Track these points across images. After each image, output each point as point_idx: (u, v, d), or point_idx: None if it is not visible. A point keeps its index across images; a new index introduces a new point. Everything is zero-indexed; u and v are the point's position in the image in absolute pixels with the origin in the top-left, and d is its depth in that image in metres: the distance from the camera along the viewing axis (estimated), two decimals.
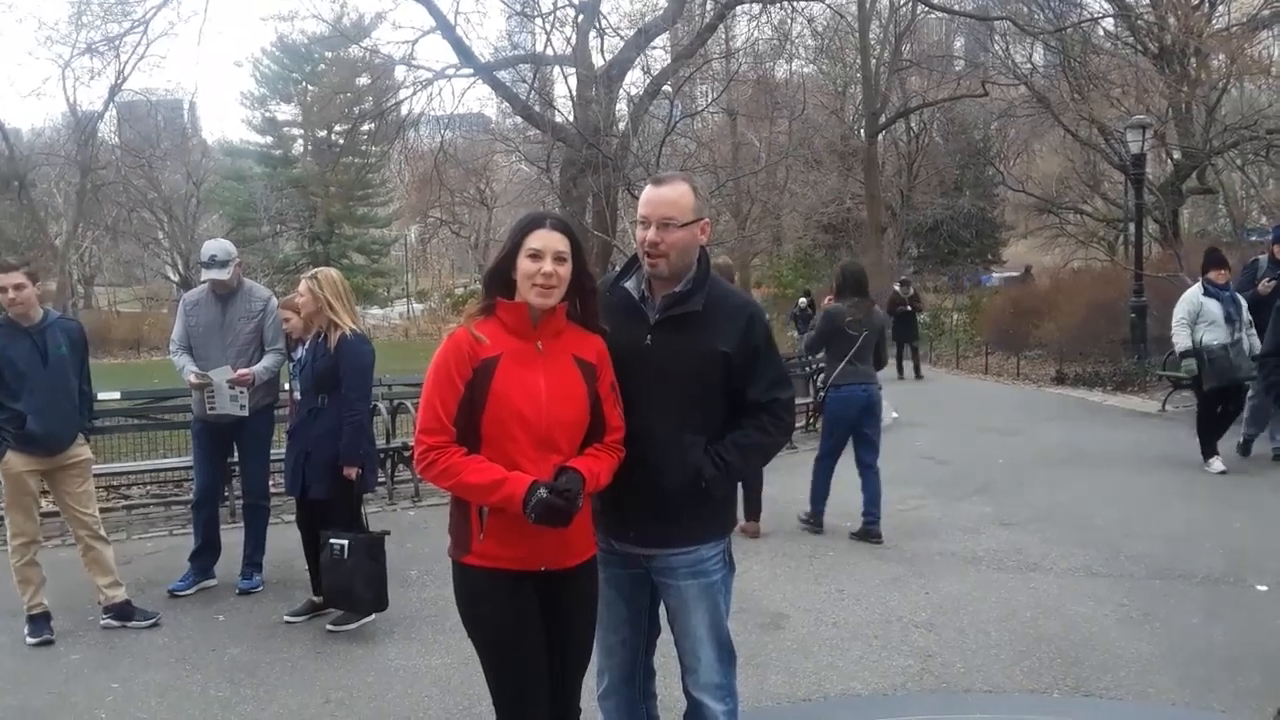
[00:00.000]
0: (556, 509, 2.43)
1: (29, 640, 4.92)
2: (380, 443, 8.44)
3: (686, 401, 2.71)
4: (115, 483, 8.33)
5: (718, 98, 25.64)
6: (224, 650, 4.80)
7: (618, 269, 2.93)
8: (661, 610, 2.97)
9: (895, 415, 12.61)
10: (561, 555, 2.60)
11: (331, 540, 4.90)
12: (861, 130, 31.86)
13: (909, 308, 18.88)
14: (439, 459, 2.51)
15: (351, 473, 4.96)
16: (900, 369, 18.28)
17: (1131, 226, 17.85)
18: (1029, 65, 26.54)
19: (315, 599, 5.30)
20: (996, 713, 3.85)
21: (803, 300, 21.89)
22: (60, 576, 5.43)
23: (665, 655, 3.00)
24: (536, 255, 2.51)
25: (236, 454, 6.05)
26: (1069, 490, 7.84)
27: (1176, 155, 23.72)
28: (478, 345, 2.54)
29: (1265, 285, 7.88)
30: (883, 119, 30.64)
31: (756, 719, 3.82)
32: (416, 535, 6.98)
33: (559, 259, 2.52)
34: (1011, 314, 20.26)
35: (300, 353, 5.77)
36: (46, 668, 4.65)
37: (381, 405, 8.56)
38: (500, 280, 2.60)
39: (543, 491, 2.43)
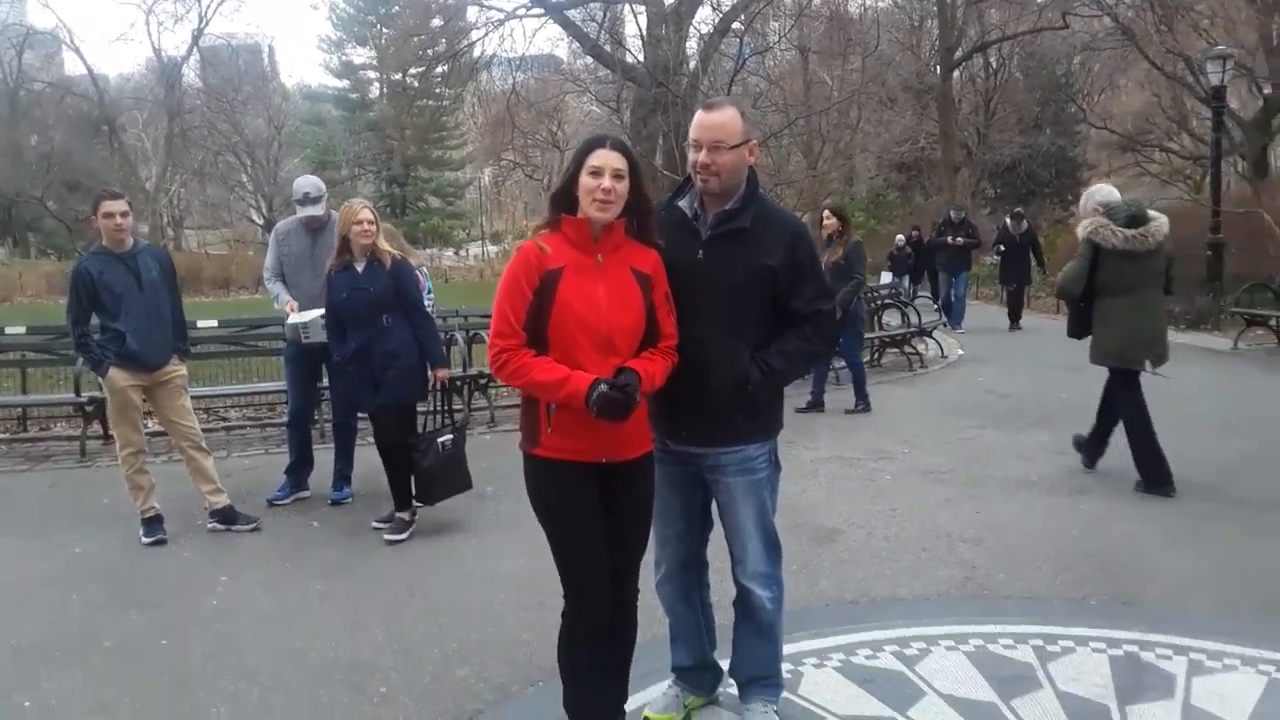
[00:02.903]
0: (616, 402, 2.71)
1: (144, 540, 5.43)
2: (457, 370, 8.87)
3: (735, 312, 2.96)
4: (214, 405, 8.89)
5: (788, 33, 25.30)
6: (319, 551, 5.24)
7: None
8: (714, 509, 3.26)
9: (961, 352, 12.67)
10: (620, 448, 2.88)
11: (439, 440, 5.50)
12: (937, 66, 31.18)
13: (1025, 244, 15.94)
14: (510, 360, 2.80)
15: (444, 373, 5.58)
16: (1011, 315, 15.67)
17: None
18: None
19: (403, 515, 5.53)
20: (1032, 616, 4.07)
21: (900, 238, 19.84)
22: (165, 490, 5.89)
23: (717, 550, 3.28)
24: (597, 172, 2.76)
25: (326, 378, 6.45)
26: None
27: (1268, 90, 22.82)
28: (544, 257, 2.81)
29: None
30: (959, 54, 29.92)
31: (805, 618, 4.09)
32: (492, 455, 7.35)
33: (617, 176, 2.77)
34: None
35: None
36: (160, 564, 5.14)
37: (459, 335, 8.96)
38: (565, 198, 2.86)
39: (604, 387, 2.71)
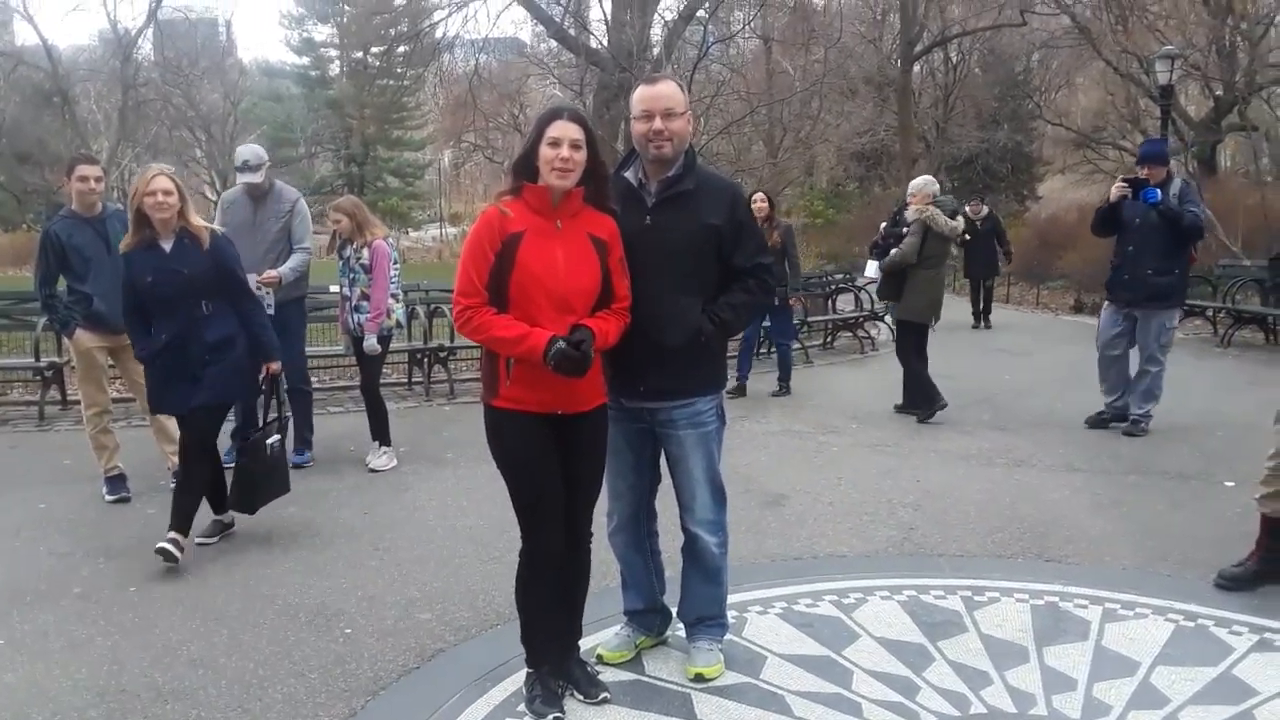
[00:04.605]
0: (571, 358, 2.89)
1: (107, 498, 5.54)
2: (418, 343, 9.01)
3: (684, 270, 3.18)
4: None
5: (751, 22, 25.50)
6: (282, 509, 5.35)
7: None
8: (663, 464, 3.46)
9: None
10: (574, 401, 3.07)
11: (268, 441, 4.92)
12: (898, 60, 31.58)
13: (989, 232, 14.63)
14: (473, 317, 2.98)
15: (276, 367, 4.87)
16: (976, 315, 14.43)
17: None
18: None
19: (222, 519, 4.96)
20: (963, 571, 4.34)
21: (883, 226, 18.17)
22: (126, 454, 5.92)
23: (666, 502, 3.49)
24: (555, 143, 2.94)
25: None
26: (1067, 402, 8.23)
27: (1220, 91, 23.43)
28: (506, 221, 2.99)
29: (1117, 189, 6.91)
30: (919, 48, 30.33)
31: (751, 572, 4.31)
32: (451, 426, 7.55)
33: (575, 146, 2.95)
34: (1037, 246, 20.38)
35: (349, 251, 6.27)
36: (125, 519, 5.25)
37: (420, 309, 9.09)
38: (526, 167, 3.03)
39: (561, 344, 2.90)
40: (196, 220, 4.56)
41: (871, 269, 17.51)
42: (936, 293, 7.75)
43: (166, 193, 4.40)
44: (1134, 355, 7.15)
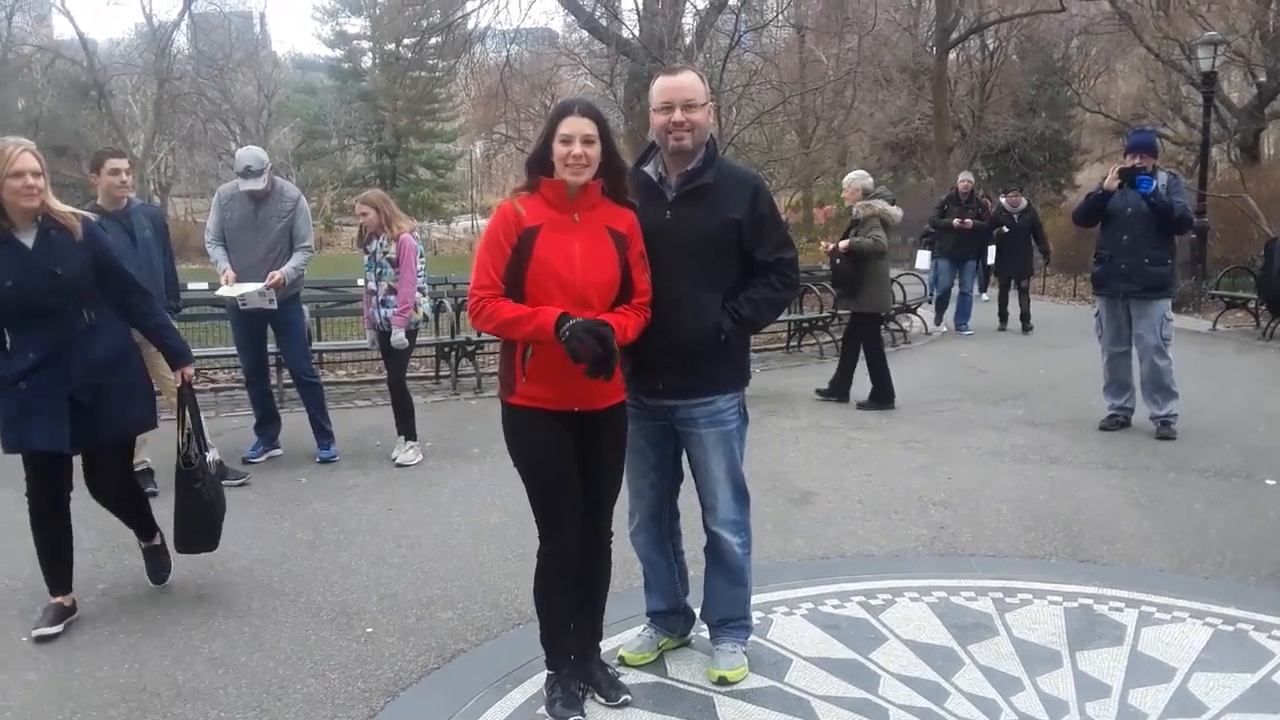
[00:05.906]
0: (590, 331, 2.80)
1: None
2: (446, 337, 9.00)
3: (705, 265, 3.11)
4: (203, 367, 8.96)
5: (784, 10, 25.27)
6: (307, 505, 5.37)
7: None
8: (684, 460, 3.40)
9: (944, 329, 12.83)
10: (592, 398, 3.01)
11: (208, 460, 4.13)
12: (933, 47, 31.17)
13: (1026, 227, 12.81)
14: (486, 305, 2.93)
15: (191, 371, 4.04)
16: (1003, 315, 12.71)
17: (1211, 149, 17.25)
18: None
19: (64, 601, 3.87)
20: (995, 572, 4.24)
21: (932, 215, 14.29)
22: (157, 448, 5.96)
23: (689, 505, 3.43)
24: (567, 140, 2.88)
25: (274, 343, 6.54)
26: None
27: (1263, 78, 22.94)
28: (521, 216, 2.94)
29: (1112, 178, 6.64)
30: (955, 35, 29.94)
31: (777, 572, 4.25)
32: (478, 420, 7.51)
33: (587, 141, 2.89)
34: (1074, 236, 20.02)
35: (375, 245, 6.24)
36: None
37: (447, 302, 9.07)
38: (541, 162, 2.98)
39: (574, 321, 2.81)
40: (59, 205, 3.66)
41: (923, 259, 16.50)
42: (888, 280, 8.33)
43: (36, 174, 3.51)
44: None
